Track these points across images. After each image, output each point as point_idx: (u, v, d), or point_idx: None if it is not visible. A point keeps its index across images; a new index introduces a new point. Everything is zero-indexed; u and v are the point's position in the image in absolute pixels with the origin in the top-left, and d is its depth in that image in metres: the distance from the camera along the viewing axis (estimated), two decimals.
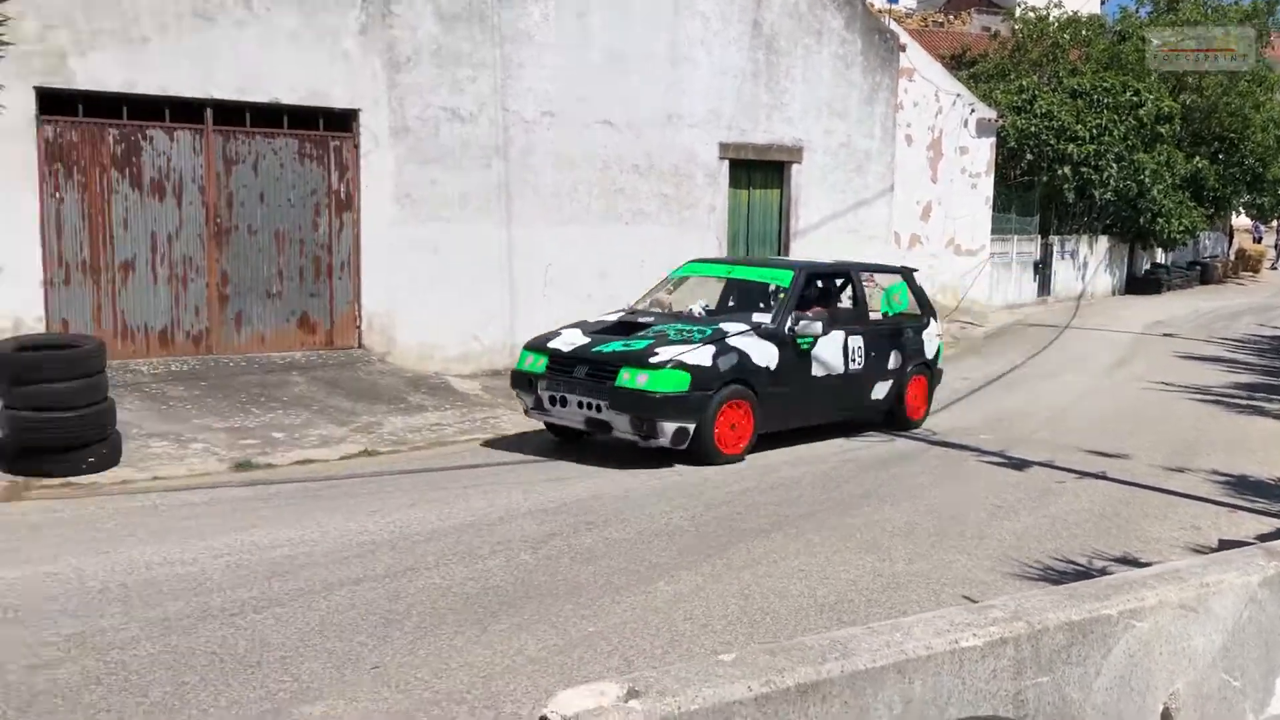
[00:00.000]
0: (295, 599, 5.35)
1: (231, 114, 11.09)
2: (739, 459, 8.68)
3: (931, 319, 10.89)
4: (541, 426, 9.45)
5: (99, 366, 7.74)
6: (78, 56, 10.15)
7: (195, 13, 10.68)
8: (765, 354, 8.93)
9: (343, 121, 11.67)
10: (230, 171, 11.17)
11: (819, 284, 10.29)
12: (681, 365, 8.33)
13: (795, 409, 9.31)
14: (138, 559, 5.86)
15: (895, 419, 10.44)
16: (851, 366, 9.73)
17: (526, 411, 9.27)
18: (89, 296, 10.55)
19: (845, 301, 10.49)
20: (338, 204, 11.76)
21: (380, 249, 11.83)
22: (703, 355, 8.49)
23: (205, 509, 7.02)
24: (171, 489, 7.50)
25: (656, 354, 8.42)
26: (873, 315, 10.37)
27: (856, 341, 9.78)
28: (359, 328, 11.97)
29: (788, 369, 9.07)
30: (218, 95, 10.89)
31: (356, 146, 11.73)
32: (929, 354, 10.76)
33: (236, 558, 5.95)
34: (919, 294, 10.90)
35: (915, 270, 11.51)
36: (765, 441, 9.08)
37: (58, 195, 10.32)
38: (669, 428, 8.33)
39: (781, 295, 9.53)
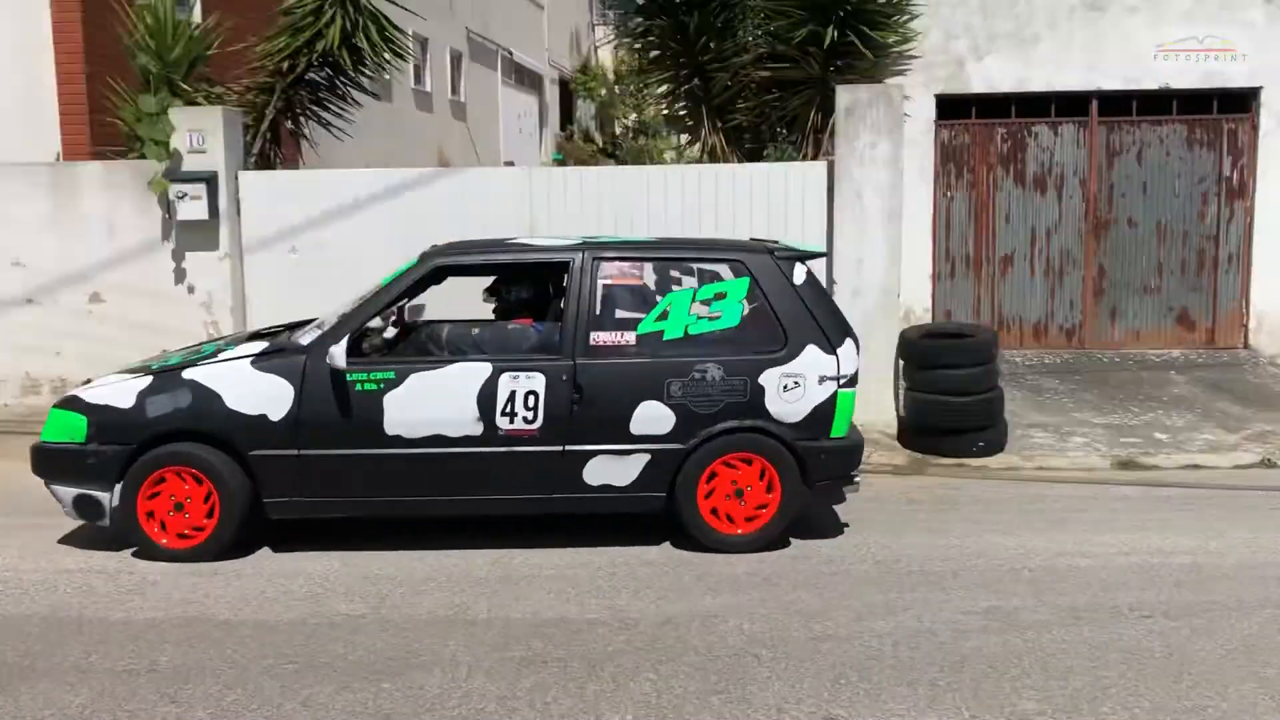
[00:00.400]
0: (1209, 612, 4.99)
1: (1116, 104, 10.85)
2: (197, 554, 5.71)
3: (812, 346, 5.91)
4: None
5: (991, 356, 8.10)
6: (974, 62, 10.76)
7: (1086, 4, 10.64)
8: (265, 395, 5.72)
9: (1239, 102, 10.71)
10: (1112, 163, 10.94)
11: (529, 282, 6.58)
12: (77, 405, 5.81)
13: (345, 486, 5.82)
14: (1038, 545, 5.99)
15: (683, 525, 5.92)
16: (504, 425, 5.77)
17: None
18: (970, 289, 11.16)
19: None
20: (1228, 192, 10.84)
21: (1276, 241, 10.65)
22: (120, 392, 5.78)
23: (1093, 504, 6.94)
24: (1055, 480, 7.55)
25: (87, 384, 6.04)
26: (622, 337, 5.88)
27: (523, 383, 5.78)
28: (1245, 326, 10.95)
29: (321, 421, 5.72)
30: (1104, 86, 10.73)
31: (1255, 128, 10.68)
32: (785, 414, 5.87)
33: (1138, 559, 5.76)
34: (789, 300, 5.96)
35: (799, 255, 6.17)
36: None
37: (948, 194, 11.07)
38: (66, 495, 5.80)
39: (358, 300, 6.08)
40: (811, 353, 5.87)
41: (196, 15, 11.18)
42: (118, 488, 5.71)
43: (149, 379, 5.85)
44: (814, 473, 5.90)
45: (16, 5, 10.70)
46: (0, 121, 10.65)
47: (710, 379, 5.79)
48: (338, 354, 5.61)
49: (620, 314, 5.92)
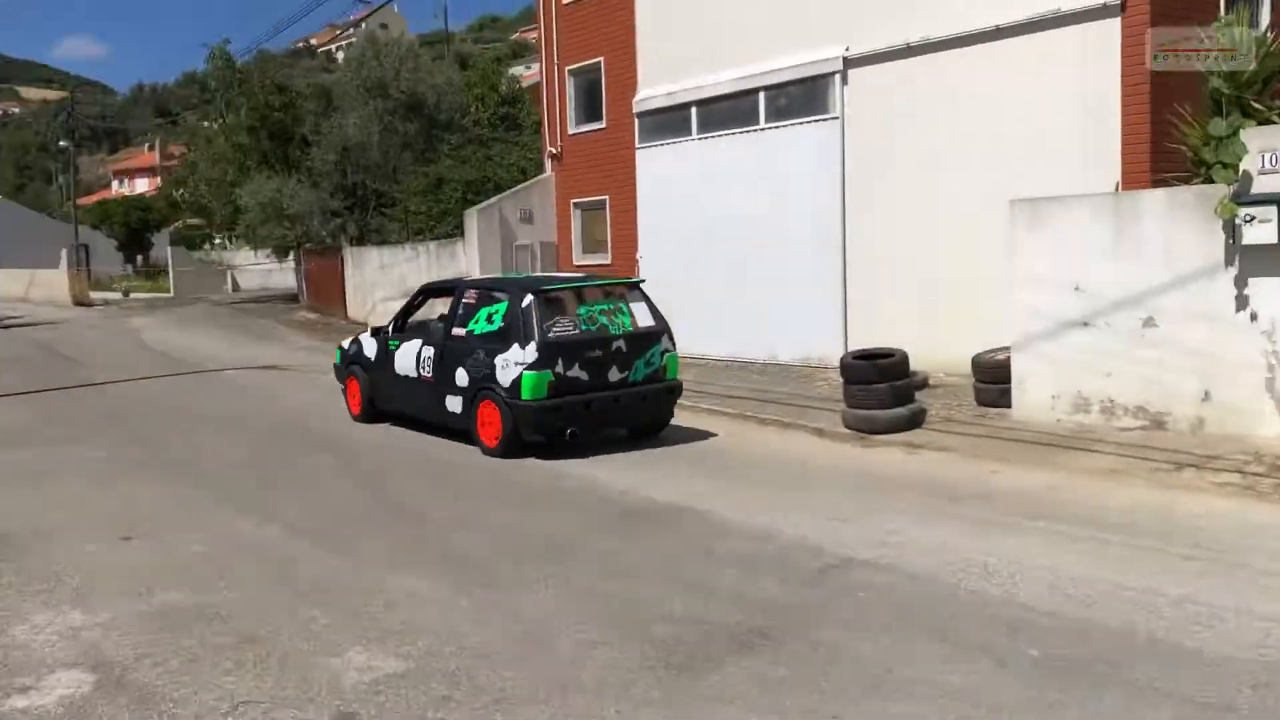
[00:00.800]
0: None
1: None
2: (360, 419, 12.13)
3: (517, 345, 9.95)
4: None
5: None
6: None
7: None
8: (371, 348, 12.02)
9: None
10: None
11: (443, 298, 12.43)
12: (341, 345, 12.90)
13: (389, 397, 11.75)
14: None
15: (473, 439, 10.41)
16: (422, 374, 10.99)
17: None
18: None
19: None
20: None
21: None
22: (348, 342, 12.76)
23: None
24: None
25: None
26: (463, 332, 10.78)
27: (428, 352, 10.96)
28: None
29: (379, 363, 11.77)
30: None
31: None
32: (503, 382, 9.95)
33: None
34: (517, 316, 10.10)
35: (540, 291, 10.26)
36: None
37: None
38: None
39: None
40: (515, 348, 9.90)
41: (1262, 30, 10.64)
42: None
43: (354, 337, 12.69)
44: (520, 419, 9.80)
45: (1088, 44, 11.38)
46: (1063, 156, 11.44)
47: (479, 358, 10.22)
48: (380, 331, 12.14)
49: (467, 318, 10.69)
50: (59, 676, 4.88)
